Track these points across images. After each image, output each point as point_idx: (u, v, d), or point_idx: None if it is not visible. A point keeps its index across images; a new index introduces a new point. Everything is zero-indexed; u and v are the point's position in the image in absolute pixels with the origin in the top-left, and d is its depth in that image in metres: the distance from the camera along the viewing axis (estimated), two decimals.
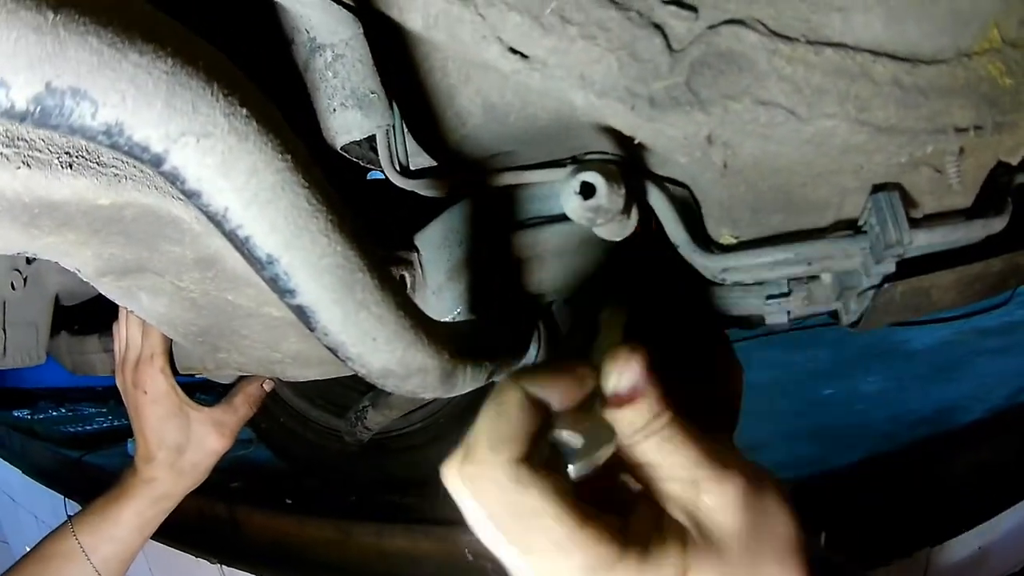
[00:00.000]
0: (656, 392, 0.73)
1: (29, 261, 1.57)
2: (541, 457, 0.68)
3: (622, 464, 0.73)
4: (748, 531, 0.68)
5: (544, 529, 0.64)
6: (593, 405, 0.74)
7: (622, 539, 0.65)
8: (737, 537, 0.68)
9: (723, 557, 0.67)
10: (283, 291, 0.82)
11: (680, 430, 0.72)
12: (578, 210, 1.06)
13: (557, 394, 0.73)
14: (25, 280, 1.58)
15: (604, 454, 0.71)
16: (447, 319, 1.40)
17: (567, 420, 0.72)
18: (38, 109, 0.59)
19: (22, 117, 0.58)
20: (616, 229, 1.17)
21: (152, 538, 1.85)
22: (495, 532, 0.66)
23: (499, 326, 1.28)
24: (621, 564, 0.63)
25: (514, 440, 0.67)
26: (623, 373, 0.74)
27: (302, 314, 0.85)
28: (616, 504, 0.70)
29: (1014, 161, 1.13)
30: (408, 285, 1.42)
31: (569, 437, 0.71)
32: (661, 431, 0.72)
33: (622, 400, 0.73)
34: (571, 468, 0.69)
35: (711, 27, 0.97)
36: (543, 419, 0.71)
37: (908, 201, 1.12)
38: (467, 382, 1.08)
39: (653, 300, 1.32)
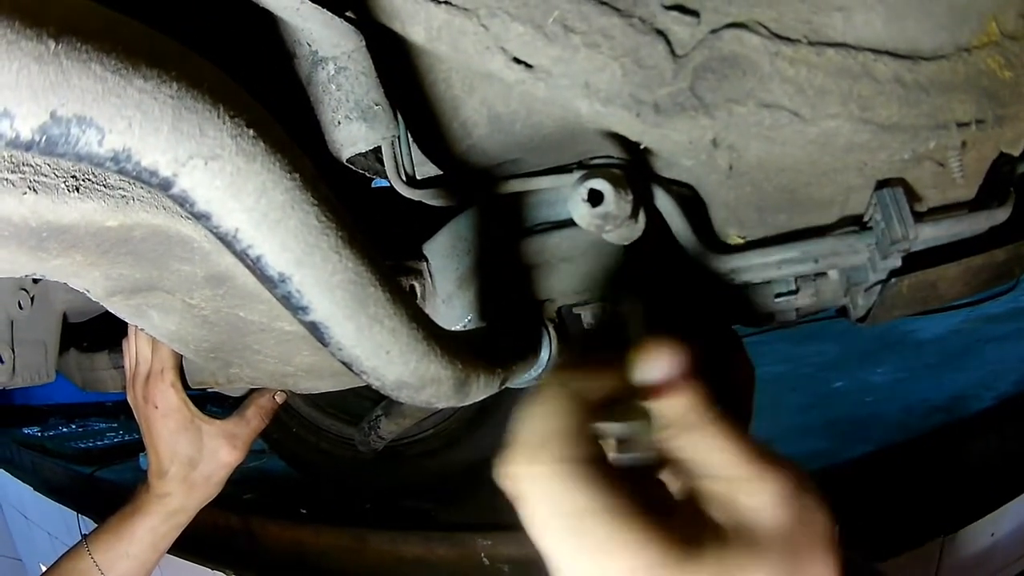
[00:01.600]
0: (693, 384, 0.74)
1: (36, 280, 1.57)
2: (589, 453, 0.68)
3: (661, 462, 0.74)
4: (788, 531, 0.68)
5: (595, 530, 0.63)
6: (632, 398, 0.74)
7: (667, 541, 0.64)
8: (777, 537, 0.67)
9: (763, 557, 0.66)
10: (296, 308, 0.82)
11: (719, 425, 0.72)
12: (587, 217, 1.07)
13: (599, 388, 0.74)
14: (32, 299, 1.58)
15: (647, 444, 0.71)
16: (458, 327, 1.40)
17: (609, 413, 0.72)
18: (43, 138, 0.59)
19: (28, 146, 0.58)
20: (624, 233, 1.17)
21: (168, 551, 1.85)
22: (548, 532, 0.65)
23: (510, 333, 1.28)
24: (663, 568, 0.63)
25: (566, 438, 0.67)
26: (656, 362, 0.74)
27: (315, 330, 0.85)
28: (655, 503, 0.69)
29: (1016, 152, 1.14)
30: (418, 295, 1.42)
31: (612, 428, 0.71)
32: (700, 425, 0.72)
33: (658, 390, 0.73)
34: (616, 458, 0.70)
35: (713, 31, 0.97)
36: (588, 415, 0.71)
37: (912, 196, 1.13)
38: (480, 390, 1.08)
39: (663, 301, 1.32)
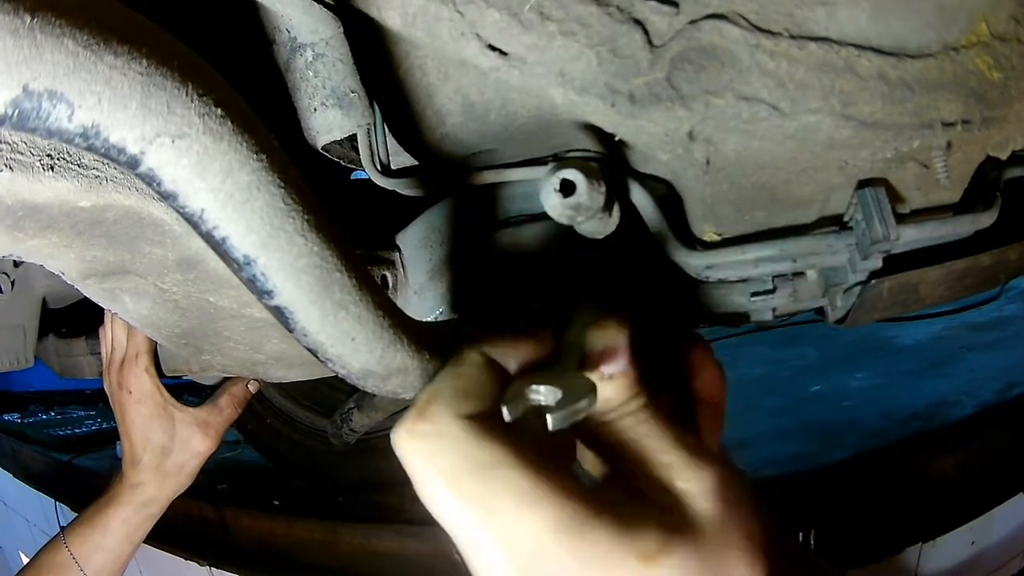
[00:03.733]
0: (637, 372, 0.73)
1: (16, 264, 1.56)
2: (514, 415, 0.67)
3: (576, 439, 0.73)
4: (720, 519, 0.67)
5: (507, 482, 0.61)
6: (570, 367, 0.74)
7: (595, 499, 0.63)
8: (710, 523, 0.66)
9: (696, 540, 0.65)
10: (261, 292, 0.81)
11: (658, 413, 0.72)
12: (558, 208, 1.06)
13: (516, 355, 0.73)
14: (12, 283, 1.58)
15: (583, 407, 0.69)
16: (429, 319, 1.39)
17: (544, 377, 0.71)
18: (16, 112, 0.58)
19: (1, 121, 0.58)
20: (597, 227, 1.16)
21: (143, 542, 1.85)
22: (450, 496, 0.63)
23: (481, 325, 1.28)
24: (596, 522, 0.61)
25: (471, 396, 0.67)
26: (602, 334, 0.75)
27: (280, 315, 0.84)
28: (568, 472, 0.68)
29: (1003, 156, 1.13)
30: (390, 285, 1.42)
31: (547, 391, 0.70)
32: (641, 411, 0.72)
33: (601, 359, 0.73)
34: (550, 419, 0.67)
35: (692, 22, 0.96)
36: (501, 380, 0.70)
37: (895, 197, 1.12)
38: None
39: (632, 300, 1.32)
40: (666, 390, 0.83)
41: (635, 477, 0.70)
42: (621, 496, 0.67)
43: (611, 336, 0.75)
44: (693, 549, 0.64)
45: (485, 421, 0.65)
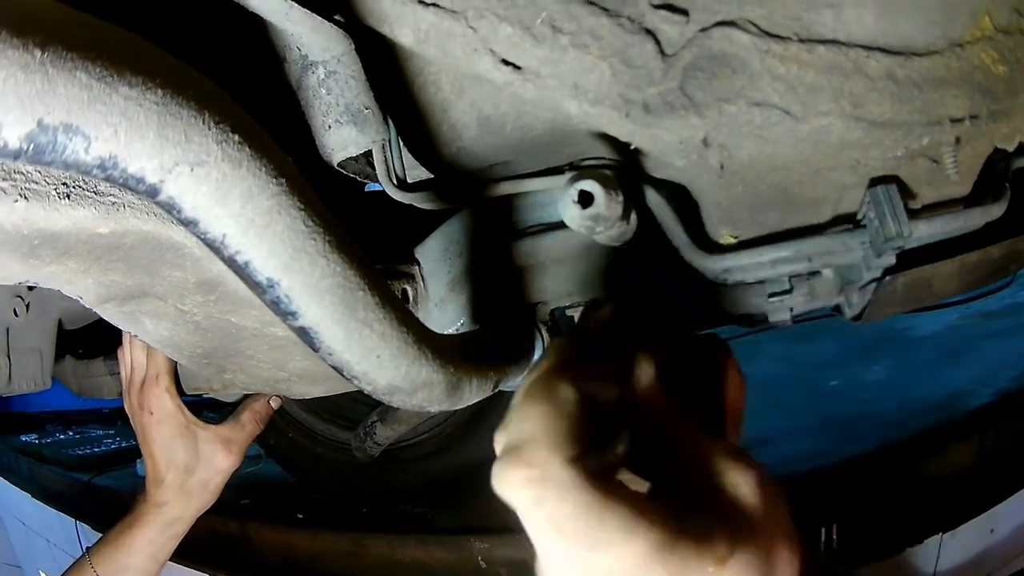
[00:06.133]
0: (664, 390, 0.76)
1: (31, 287, 1.56)
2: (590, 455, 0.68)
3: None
4: (767, 514, 0.70)
5: (611, 521, 0.63)
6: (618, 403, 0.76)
7: (674, 516, 0.65)
8: (761, 518, 0.69)
9: (755, 536, 0.68)
10: (285, 314, 0.82)
11: (696, 425, 0.75)
12: (577, 219, 1.06)
13: (600, 390, 0.74)
14: (28, 306, 1.58)
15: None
16: (450, 331, 1.39)
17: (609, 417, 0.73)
18: (31, 147, 0.58)
19: (16, 155, 0.58)
20: (616, 234, 1.17)
21: None
22: (558, 537, 0.64)
23: (502, 335, 1.28)
24: (680, 539, 0.64)
25: (572, 439, 0.67)
26: (642, 371, 0.77)
27: (305, 335, 0.85)
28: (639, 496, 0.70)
29: (1010, 147, 1.13)
30: (410, 299, 1.42)
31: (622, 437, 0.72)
32: (681, 426, 0.75)
33: (636, 394, 0.77)
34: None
35: (703, 30, 0.97)
36: (587, 416, 0.71)
37: (906, 193, 1.12)
38: (473, 394, 1.08)
39: (654, 305, 1.32)
40: (697, 396, 0.85)
41: (684, 481, 0.72)
42: (682, 505, 0.69)
43: (649, 369, 0.78)
44: (753, 545, 0.67)
45: (586, 463, 0.66)
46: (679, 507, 0.69)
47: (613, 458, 0.71)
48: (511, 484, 0.67)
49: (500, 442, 0.71)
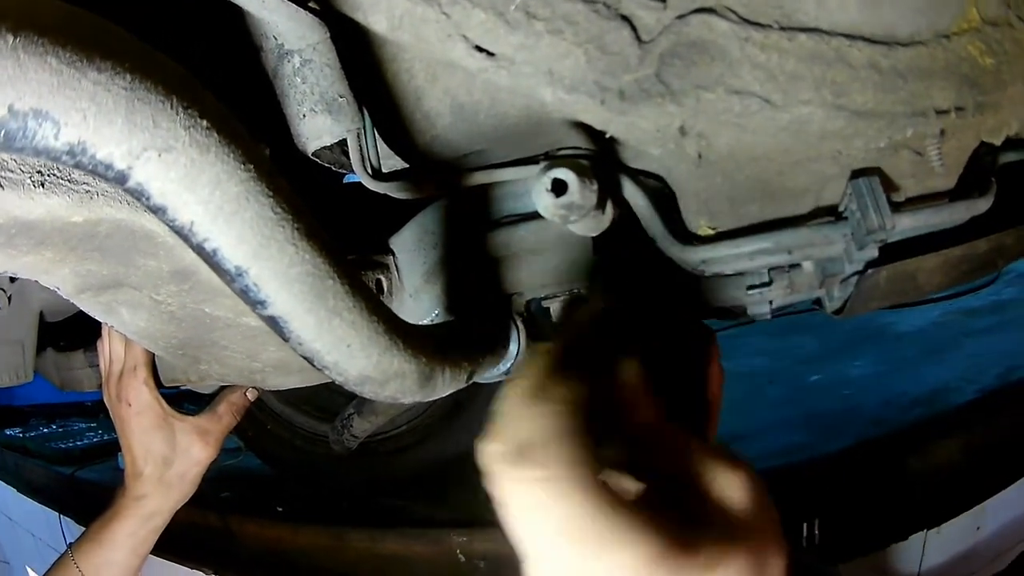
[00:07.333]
0: (653, 396, 0.76)
1: (12, 279, 1.56)
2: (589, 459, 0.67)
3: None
4: (756, 514, 0.70)
5: (614, 528, 0.62)
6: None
7: (669, 520, 0.64)
8: (750, 519, 0.69)
9: (745, 537, 0.68)
10: (254, 302, 0.82)
11: (684, 430, 0.75)
12: (550, 208, 1.05)
13: (599, 390, 0.74)
14: (9, 299, 1.57)
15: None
16: (425, 322, 1.40)
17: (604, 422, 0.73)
18: (3, 133, 0.58)
19: None
20: (591, 225, 1.16)
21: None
22: (560, 542, 0.63)
23: (477, 326, 1.28)
24: (677, 545, 0.63)
25: (584, 442, 0.66)
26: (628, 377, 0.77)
27: (275, 324, 0.84)
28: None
29: (997, 141, 1.13)
30: (384, 289, 1.42)
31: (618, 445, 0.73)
32: (669, 432, 0.75)
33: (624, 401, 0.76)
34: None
35: (680, 16, 0.96)
36: (586, 418, 0.70)
37: (889, 185, 1.11)
38: (446, 385, 1.08)
39: (633, 297, 1.32)
40: (680, 390, 0.85)
41: (674, 483, 0.72)
42: (675, 508, 0.68)
43: (638, 376, 0.77)
44: (744, 547, 0.67)
45: (590, 465, 0.65)
46: (673, 510, 0.69)
47: (609, 461, 0.71)
48: (517, 485, 0.65)
49: (495, 444, 0.69)
